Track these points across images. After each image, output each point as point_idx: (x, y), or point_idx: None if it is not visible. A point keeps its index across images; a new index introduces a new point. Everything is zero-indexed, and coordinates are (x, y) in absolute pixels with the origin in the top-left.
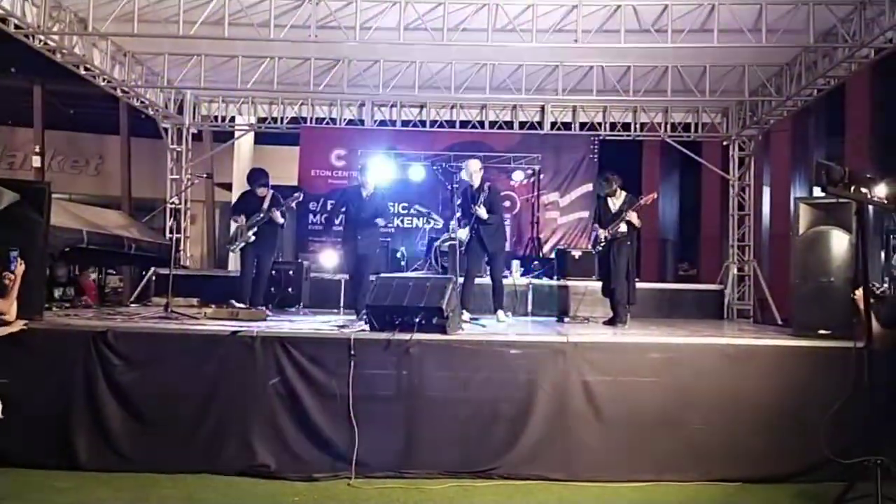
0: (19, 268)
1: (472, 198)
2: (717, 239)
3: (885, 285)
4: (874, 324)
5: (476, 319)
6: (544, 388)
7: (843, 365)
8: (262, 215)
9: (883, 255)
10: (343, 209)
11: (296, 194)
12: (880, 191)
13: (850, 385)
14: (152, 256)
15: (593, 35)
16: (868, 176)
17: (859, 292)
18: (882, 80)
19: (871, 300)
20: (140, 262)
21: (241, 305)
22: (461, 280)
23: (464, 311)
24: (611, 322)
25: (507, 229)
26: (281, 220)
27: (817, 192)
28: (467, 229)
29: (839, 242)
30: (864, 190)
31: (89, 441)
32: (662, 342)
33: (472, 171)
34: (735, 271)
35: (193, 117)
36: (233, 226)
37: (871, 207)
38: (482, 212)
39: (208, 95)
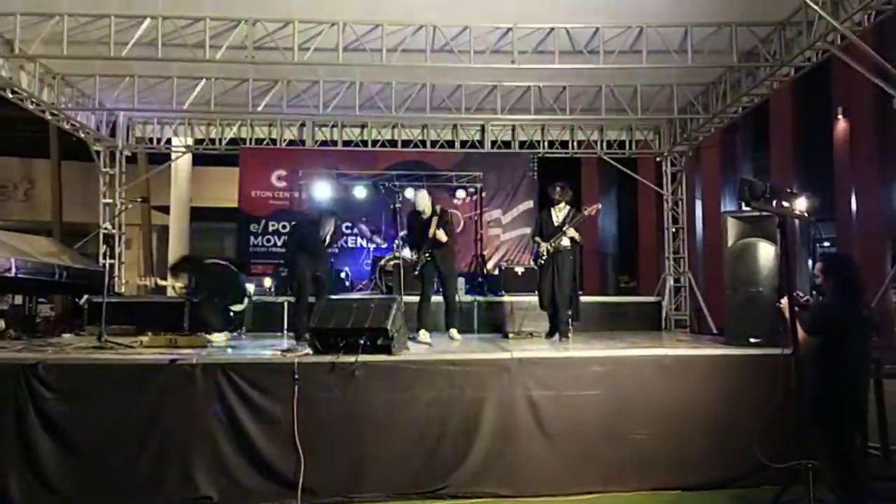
0: None
1: (426, 223)
2: (654, 251)
3: (809, 295)
4: (800, 331)
5: (413, 339)
6: (490, 406)
7: (773, 372)
8: None
9: (810, 263)
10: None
11: None
12: (800, 204)
13: (780, 391)
14: (85, 284)
15: (529, 56)
16: (789, 190)
17: (784, 301)
18: (803, 97)
19: (797, 308)
20: (72, 290)
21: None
22: (415, 301)
23: (421, 331)
24: (550, 334)
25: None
26: None
27: (744, 205)
28: (411, 250)
29: (766, 253)
30: (785, 203)
31: (21, 479)
32: (604, 355)
33: (426, 203)
34: (672, 283)
35: (127, 139)
36: None
37: (795, 220)
38: (441, 234)
39: (142, 117)
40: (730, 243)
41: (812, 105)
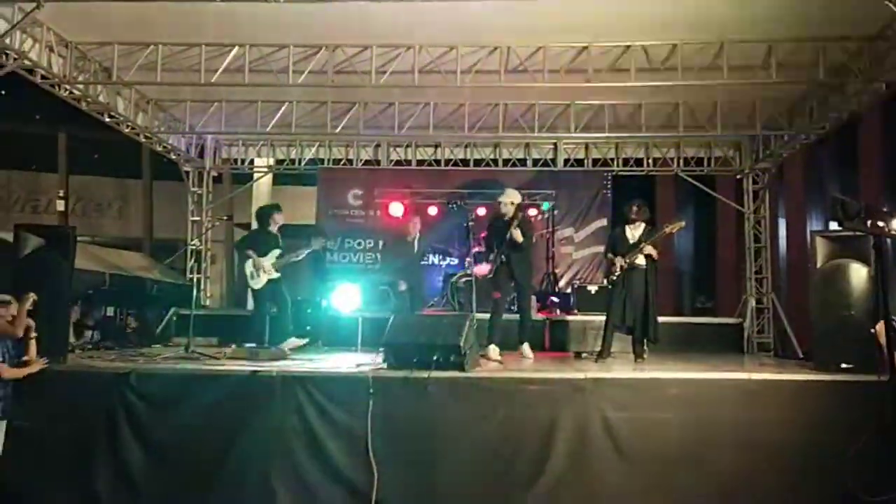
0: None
1: (504, 226)
2: (733, 272)
3: None
4: None
5: (483, 355)
6: (564, 426)
7: (866, 399)
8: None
9: None
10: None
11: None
12: None
13: (873, 420)
14: (174, 297)
15: (604, 74)
16: (884, 210)
17: (880, 326)
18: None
19: (893, 333)
20: (162, 303)
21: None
22: (486, 316)
23: (491, 346)
24: (600, 355)
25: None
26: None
27: (834, 224)
28: (487, 265)
29: (858, 275)
30: (881, 224)
31: (110, 483)
32: (682, 377)
33: (513, 198)
34: (753, 304)
35: (214, 161)
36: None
37: (888, 240)
38: (517, 233)
39: (228, 139)
40: (819, 264)
41: None
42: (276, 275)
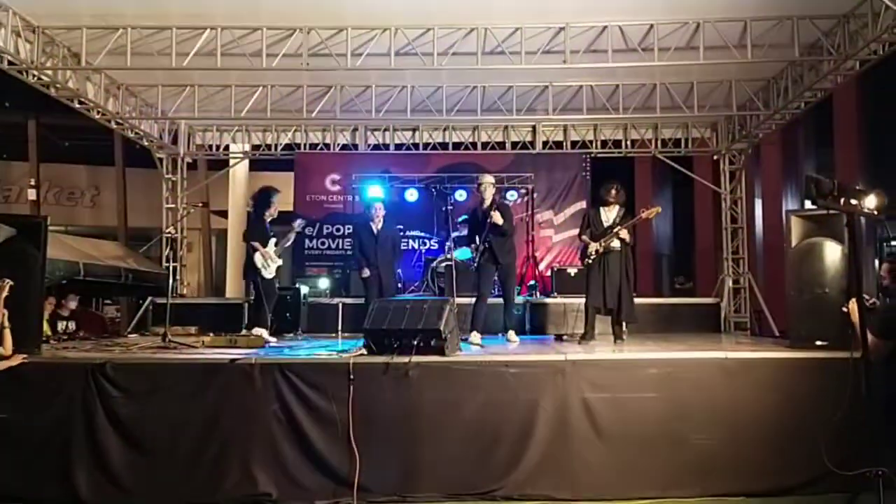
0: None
1: (484, 214)
2: (711, 252)
3: (876, 297)
4: (869, 335)
5: (465, 339)
6: (545, 408)
7: (841, 376)
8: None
9: (877, 263)
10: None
11: (299, 221)
12: (870, 202)
13: (848, 396)
14: (149, 286)
15: (581, 55)
16: (857, 188)
17: (852, 304)
18: (869, 91)
19: (865, 311)
20: (137, 292)
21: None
22: (467, 303)
23: (473, 332)
24: (583, 337)
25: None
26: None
27: (809, 204)
28: (471, 249)
29: (832, 253)
30: (853, 201)
31: (89, 474)
32: (661, 357)
33: (488, 182)
34: (730, 284)
35: (188, 147)
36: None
37: (863, 218)
38: (497, 216)
39: (202, 125)
40: (794, 243)
41: (879, 99)
42: (279, 262)
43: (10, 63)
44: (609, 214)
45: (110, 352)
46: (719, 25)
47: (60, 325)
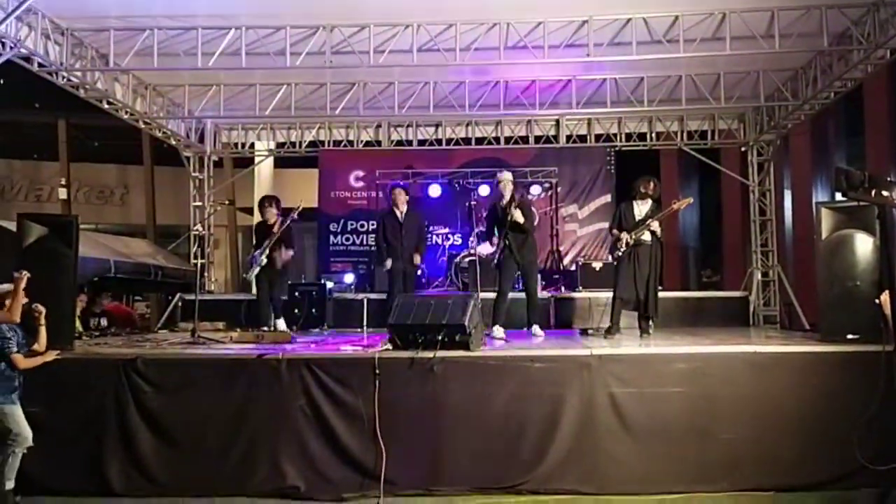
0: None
1: (503, 210)
2: (739, 245)
3: None
4: None
5: (488, 334)
6: (570, 402)
7: (874, 369)
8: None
9: None
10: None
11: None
12: None
13: (881, 390)
14: (178, 282)
15: (605, 48)
16: (889, 179)
17: (884, 296)
18: None
19: None
20: (166, 289)
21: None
22: (491, 296)
23: (496, 327)
24: (609, 331)
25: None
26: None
27: (839, 195)
28: (490, 246)
29: (863, 246)
30: (885, 193)
31: (121, 467)
32: (688, 352)
33: (507, 180)
34: (759, 277)
35: (214, 145)
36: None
37: (894, 210)
38: (518, 214)
39: (228, 123)
40: (824, 235)
41: None
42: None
43: (39, 65)
44: (642, 208)
45: (141, 347)
46: (745, 16)
47: (92, 322)
